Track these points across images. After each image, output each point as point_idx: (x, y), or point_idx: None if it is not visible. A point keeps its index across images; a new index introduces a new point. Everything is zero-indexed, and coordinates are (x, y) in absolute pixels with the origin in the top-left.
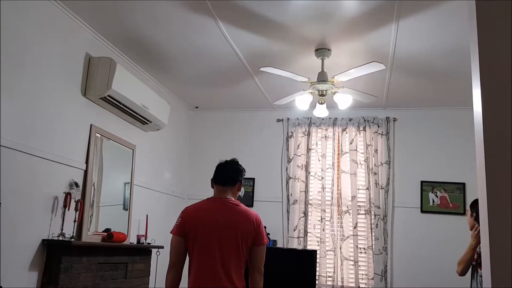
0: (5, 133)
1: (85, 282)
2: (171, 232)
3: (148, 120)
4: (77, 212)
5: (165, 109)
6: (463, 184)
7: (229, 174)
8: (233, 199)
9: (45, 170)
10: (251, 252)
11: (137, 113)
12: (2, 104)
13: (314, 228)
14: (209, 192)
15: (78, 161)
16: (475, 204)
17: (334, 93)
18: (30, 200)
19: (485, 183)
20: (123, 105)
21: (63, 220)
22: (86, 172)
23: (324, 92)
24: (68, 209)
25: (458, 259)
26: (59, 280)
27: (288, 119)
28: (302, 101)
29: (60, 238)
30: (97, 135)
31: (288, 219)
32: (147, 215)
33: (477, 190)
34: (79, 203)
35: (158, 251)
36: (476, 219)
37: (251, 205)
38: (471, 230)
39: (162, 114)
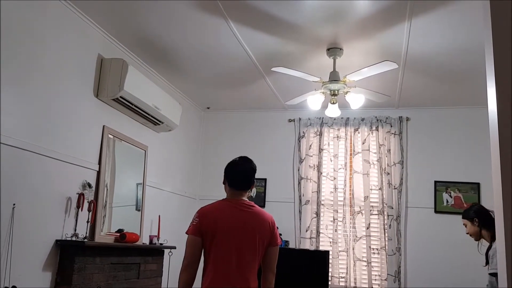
0: (19, 134)
1: (98, 282)
2: (186, 232)
3: (160, 121)
4: (90, 213)
5: (177, 110)
6: (478, 184)
7: (244, 177)
8: (247, 199)
9: (58, 171)
10: (265, 254)
11: (149, 114)
12: (16, 105)
13: (327, 229)
14: (221, 193)
15: (91, 162)
16: (471, 211)
17: (346, 92)
18: (43, 200)
19: (501, 182)
20: (135, 106)
21: (76, 220)
22: (99, 172)
23: (336, 91)
24: (81, 210)
25: None
26: (72, 280)
27: (300, 119)
28: (314, 101)
29: (74, 238)
30: (110, 136)
31: (300, 219)
32: (159, 216)
33: (492, 189)
34: (92, 204)
35: (170, 252)
36: (482, 225)
37: (263, 206)
38: (476, 240)
39: (174, 115)
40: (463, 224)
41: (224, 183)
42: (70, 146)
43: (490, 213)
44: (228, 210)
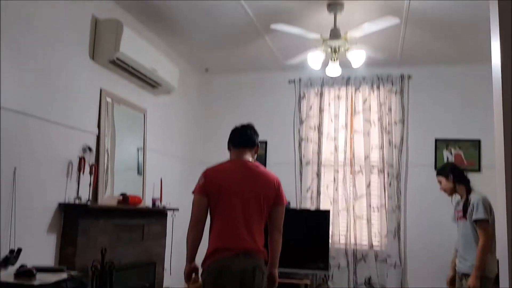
0: (15, 99)
1: (102, 244)
2: (193, 192)
3: (158, 84)
4: (92, 176)
5: (175, 72)
6: (479, 141)
7: (248, 136)
8: (252, 160)
9: (57, 135)
10: (271, 212)
11: (146, 76)
12: (12, 70)
13: (327, 189)
14: (223, 156)
15: (90, 125)
16: (446, 169)
17: (347, 49)
18: (44, 164)
19: (503, 138)
20: (132, 68)
21: (78, 184)
22: (98, 136)
23: (337, 48)
24: (83, 173)
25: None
26: (77, 242)
27: (300, 79)
28: (314, 59)
29: (76, 201)
30: (108, 99)
31: (301, 180)
32: (161, 179)
33: (493, 146)
34: (93, 167)
35: (173, 214)
36: (457, 181)
37: None
38: (450, 195)
39: (172, 77)
40: (438, 181)
41: (229, 149)
42: (68, 110)
43: (463, 170)
44: (233, 170)
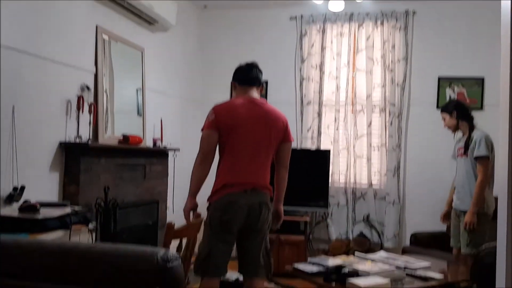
0: (12, 36)
1: (105, 182)
2: (202, 129)
3: (155, 20)
4: (91, 115)
5: (172, 8)
6: (482, 79)
7: (254, 74)
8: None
9: (55, 73)
10: (279, 150)
11: (143, 12)
12: (8, 8)
13: (328, 128)
14: (223, 95)
15: (87, 63)
16: (450, 106)
17: None
18: (42, 103)
19: (509, 75)
20: (127, 3)
21: (78, 123)
22: (96, 75)
23: None
24: (82, 112)
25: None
26: (80, 180)
27: (301, 16)
28: None
29: (77, 140)
30: (104, 36)
31: (301, 120)
32: (161, 119)
33: (496, 84)
34: (92, 106)
35: (174, 154)
36: (460, 117)
37: None
38: (453, 132)
39: (169, 13)
40: (442, 117)
41: (234, 88)
42: (64, 47)
43: (467, 107)
44: (243, 106)
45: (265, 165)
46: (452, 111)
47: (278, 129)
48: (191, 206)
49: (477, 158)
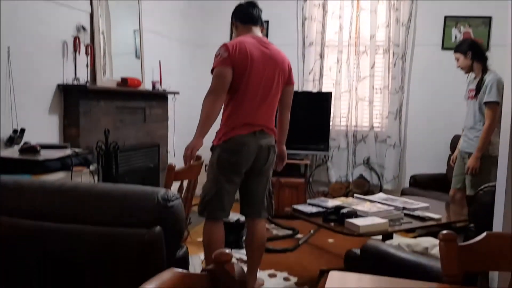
0: None
1: (105, 125)
2: (215, 66)
3: None
4: (88, 57)
5: None
6: (489, 18)
7: (256, 13)
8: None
9: (49, 13)
10: (283, 92)
11: None
12: None
13: (330, 71)
14: (223, 38)
15: (82, 2)
16: (465, 45)
17: None
18: (38, 44)
19: None
20: None
21: (75, 65)
22: (91, 15)
23: None
24: (79, 54)
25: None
26: (79, 123)
27: None
28: None
29: (75, 82)
30: None
31: (303, 62)
32: (160, 62)
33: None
34: (89, 48)
35: (174, 97)
36: (475, 58)
37: None
38: (466, 73)
39: None
40: (456, 58)
41: (235, 27)
42: None
43: (482, 47)
44: (253, 46)
45: (273, 107)
46: (467, 51)
47: (284, 71)
48: (198, 146)
49: (486, 103)
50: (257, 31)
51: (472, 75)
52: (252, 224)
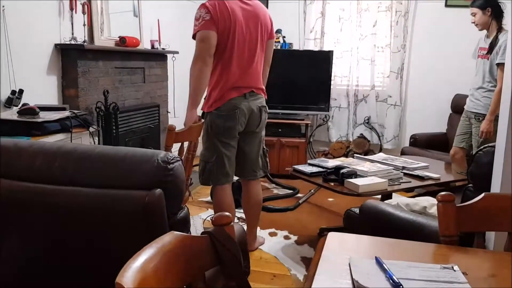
0: None
1: (104, 86)
2: (199, 29)
3: None
4: (85, 16)
5: None
6: None
7: None
8: None
9: None
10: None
11: None
12: None
13: (332, 29)
14: None
15: None
16: (484, 1)
17: None
18: (34, 3)
19: None
20: None
21: (72, 24)
22: None
23: None
24: (76, 12)
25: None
26: (78, 83)
27: None
28: None
29: (72, 42)
30: None
31: (304, 20)
32: (158, 21)
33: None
34: (86, 6)
35: (173, 56)
36: (494, 15)
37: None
38: (481, 30)
39: None
40: (472, 13)
41: None
42: None
43: (500, 4)
44: (235, 3)
45: (260, 66)
46: (486, 7)
47: (267, 27)
48: (194, 118)
49: (499, 64)
50: None
51: (484, 33)
52: (247, 185)
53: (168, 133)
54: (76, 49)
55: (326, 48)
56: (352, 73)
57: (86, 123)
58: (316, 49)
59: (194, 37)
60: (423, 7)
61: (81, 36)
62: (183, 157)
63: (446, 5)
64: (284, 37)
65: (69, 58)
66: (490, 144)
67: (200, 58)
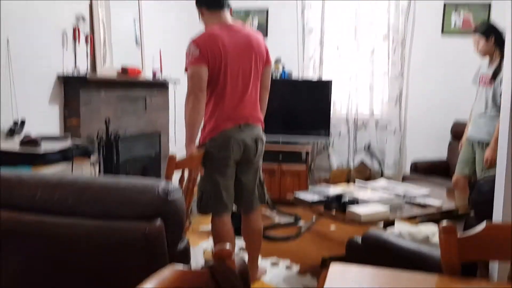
0: None
1: (106, 115)
2: (189, 65)
3: None
4: (88, 46)
5: None
6: (489, 4)
7: None
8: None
9: (49, 3)
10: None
11: None
12: None
13: (330, 58)
14: None
15: None
16: (488, 28)
17: None
18: (37, 34)
19: None
20: None
21: (75, 54)
22: (91, 5)
23: None
24: (79, 43)
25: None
26: (80, 113)
27: None
28: None
29: (75, 73)
30: None
31: (303, 49)
32: (160, 50)
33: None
34: (89, 37)
35: (175, 85)
36: (498, 43)
37: (265, 36)
38: (483, 57)
39: None
40: (475, 41)
41: (201, 14)
42: None
43: (502, 31)
44: (224, 35)
45: (255, 95)
46: (490, 35)
47: (262, 54)
48: (193, 151)
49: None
50: (225, 15)
51: (485, 60)
52: (246, 215)
53: (168, 162)
54: (78, 80)
55: (325, 75)
56: (351, 100)
57: (87, 152)
58: (315, 76)
59: (186, 71)
60: (420, 35)
61: (83, 66)
62: (183, 186)
63: (443, 33)
64: (283, 65)
65: (72, 88)
66: (490, 172)
67: (192, 93)
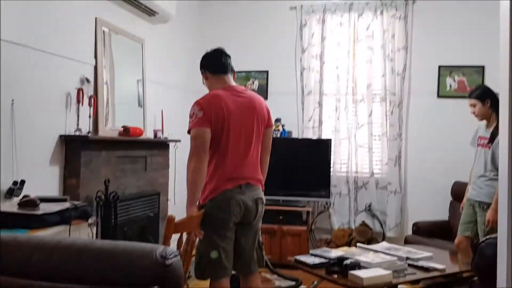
0: (11, 30)
1: (106, 175)
2: (192, 127)
3: (155, 12)
4: (91, 108)
5: None
6: (482, 67)
7: (226, 61)
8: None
9: (54, 66)
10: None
11: (142, 3)
12: (7, 1)
13: (329, 118)
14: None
15: (87, 56)
16: (483, 92)
17: None
18: (42, 96)
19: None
20: None
21: (78, 115)
22: (96, 67)
23: None
24: (82, 105)
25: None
26: (80, 173)
27: (301, 6)
28: None
29: (77, 133)
30: (104, 28)
31: (302, 110)
32: (162, 111)
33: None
34: (92, 99)
35: (175, 145)
36: (493, 107)
37: (265, 98)
38: (480, 120)
39: (169, 4)
40: (471, 104)
41: (206, 78)
42: (64, 40)
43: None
44: (228, 98)
45: (256, 157)
46: (486, 99)
47: (264, 117)
48: (194, 213)
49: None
50: (229, 79)
51: (483, 122)
52: (245, 280)
53: (167, 224)
54: (80, 140)
55: (324, 135)
56: (351, 160)
57: (85, 214)
58: (315, 136)
59: (189, 132)
60: (416, 98)
61: (86, 126)
62: (181, 250)
63: (438, 96)
64: (283, 125)
65: (73, 148)
66: (491, 236)
67: (194, 155)
